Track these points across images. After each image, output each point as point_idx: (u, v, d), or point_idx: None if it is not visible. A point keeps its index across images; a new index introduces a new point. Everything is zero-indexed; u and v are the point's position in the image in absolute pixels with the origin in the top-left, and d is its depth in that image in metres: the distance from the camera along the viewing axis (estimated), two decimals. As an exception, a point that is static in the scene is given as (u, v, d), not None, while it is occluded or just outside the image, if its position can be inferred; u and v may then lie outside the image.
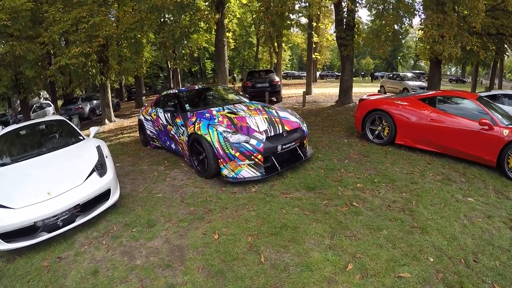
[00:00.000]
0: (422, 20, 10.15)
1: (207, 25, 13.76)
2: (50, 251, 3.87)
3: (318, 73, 45.32)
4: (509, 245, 3.40)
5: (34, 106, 18.92)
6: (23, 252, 3.89)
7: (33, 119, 15.25)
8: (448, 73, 59.24)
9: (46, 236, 3.88)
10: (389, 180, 5.02)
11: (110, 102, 15.88)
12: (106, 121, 15.26)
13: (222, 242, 3.62)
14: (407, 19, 11.62)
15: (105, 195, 4.46)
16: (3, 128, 6.67)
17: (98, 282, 3.21)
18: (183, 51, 23.32)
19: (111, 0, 13.25)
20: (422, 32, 10.21)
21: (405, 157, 6.03)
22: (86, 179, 4.37)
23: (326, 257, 3.23)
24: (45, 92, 24.07)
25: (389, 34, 11.47)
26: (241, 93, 9.34)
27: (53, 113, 19.07)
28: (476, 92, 13.81)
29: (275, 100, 16.21)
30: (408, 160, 5.90)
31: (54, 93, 22.86)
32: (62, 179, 4.31)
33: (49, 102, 21.32)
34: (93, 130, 6.11)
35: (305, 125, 6.02)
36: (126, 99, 34.64)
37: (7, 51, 10.48)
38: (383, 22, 11.29)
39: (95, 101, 20.18)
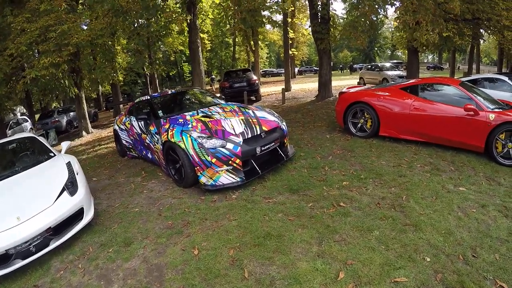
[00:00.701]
0: (397, 8, 10.03)
1: (180, 27, 13.47)
2: (26, 279, 3.65)
3: (296, 69, 45.42)
4: (507, 235, 3.25)
5: (11, 122, 18.35)
6: (0, 282, 3.66)
7: (9, 135, 14.74)
8: (425, 60, 60.09)
9: (20, 263, 3.65)
10: (376, 175, 4.83)
11: (86, 113, 15.46)
12: (84, 133, 14.86)
13: (203, 258, 3.35)
14: (382, 10, 11.51)
15: (78, 214, 4.21)
16: None
17: None
18: (159, 56, 22.92)
19: (79, 7, 12.80)
20: (398, 20, 10.13)
21: (390, 149, 5.87)
22: (56, 199, 4.11)
23: (315, 267, 2.99)
24: (22, 107, 23.39)
25: (366, 24, 11.36)
26: (217, 94, 9.08)
27: (31, 128, 18.51)
28: (455, 77, 13.86)
29: (254, 99, 16.07)
30: (394, 152, 5.73)
31: (31, 107, 22.26)
32: (31, 201, 4.06)
33: (25, 117, 20.70)
34: (64, 145, 5.80)
35: (284, 123, 5.79)
36: (104, 108, 34.00)
37: None
38: (359, 13, 11.17)
39: (72, 113, 19.68)
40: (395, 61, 47.32)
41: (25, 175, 4.82)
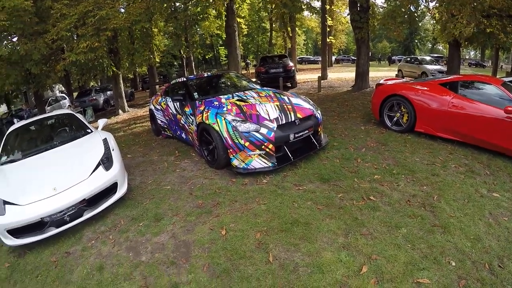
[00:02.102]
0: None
1: (220, 10, 13.47)
2: (58, 246, 3.88)
3: (333, 58, 44.54)
4: (537, 249, 3.08)
5: (50, 99, 19.06)
6: (33, 247, 3.93)
7: (48, 112, 15.38)
8: (467, 57, 57.30)
9: (54, 231, 3.91)
10: (409, 171, 4.68)
11: (123, 92, 15.89)
12: (120, 111, 15.30)
13: (230, 239, 3.43)
14: (423, 0, 11.05)
15: (112, 188, 4.40)
16: (18, 121, 6.71)
17: (103, 279, 3.18)
18: (195, 39, 23.05)
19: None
20: (432, 10, 9.68)
21: (425, 146, 5.65)
22: (91, 173, 4.32)
23: (339, 258, 2.98)
24: (60, 85, 24.24)
25: (404, 15, 10.95)
26: (253, 79, 9.05)
27: (69, 105, 19.20)
28: (498, 77, 13.11)
29: (290, 85, 15.90)
30: (428, 149, 5.52)
31: (69, 86, 23.03)
32: (68, 174, 4.27)
33: (64, 95, 21.45)
34: (101, 122, 6.04)
35: (319, 111, 5.72)
36: (140, 88, 34.75)
37: (10, 52, 10.44)
38: (398, 3, 10.77)
39: (109, 92, 20.25)
40: (435, 55, 45.34)
41: (63, 149, 5.07)
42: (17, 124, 6.15)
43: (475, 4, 8.51)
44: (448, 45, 11.92)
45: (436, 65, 19.83)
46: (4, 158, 5.10)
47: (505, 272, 2.75)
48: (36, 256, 3.77)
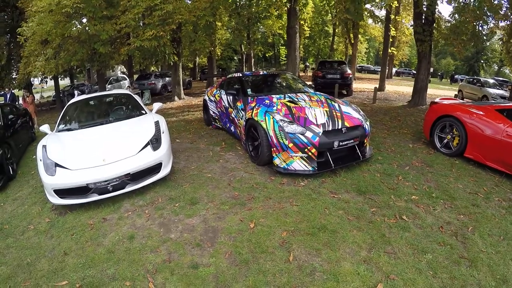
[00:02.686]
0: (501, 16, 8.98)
1: (280, 11, 13.57)
2: (97, 211, 4.26)
3: (394, 70, 43.16)
4: None
5: (111, 78, 20.16)
6: (74, 209, 4.34)
7: (108, 90, 16.35)
8: (536, 84, 52.94)
9: (96, 197, 4.29)
10: (449, 197, 4.51)
11: (181, 80, 16.49)
12: (176, 98, 15.92)
13: (256, 232, 3.57)
14: (492, 18, 10.40)
15: (156, 168, 4.71)
16: (79, 94, 7.26)
17: (131, 247, 3.45)
18: (257, 36, 23.35)
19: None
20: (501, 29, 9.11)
21: (472, 174, 5.38)
22: (140, 151, 4.65)
23: (357, 271, 2.99)
24: (123, 66, 25.54)
25: (468, 32, 10.42)
26: (309, 82, 9.09)
27: (128, 86, 20.22)
28: None
29: (345, 93, 15.71)
30: (474, 177, 5.25)
31: (131, 68, 24.25)
32: (118, 148, 4.65)
33: (125, 75, 22.56)
34: (156, 105, 6.36)
35: (368, 123, 5.68)
36: (199, 78, 35.75)
37: (80, 31, 11.16)
38: (462, 18, 10.26)
39: (167, 78, 21.08)
40: (500, 78, 42.38)
41: (117, 125, 5.48)
42: (77, 98, 6.68)
43: None
44: (513, 69, 11.23)
45: (499, 89, 18.65)
46: (62, 126, 5.62)
47: None
48: (75, 217, 4.16)
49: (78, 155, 4.48)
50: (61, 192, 4.22)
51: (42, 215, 4.37)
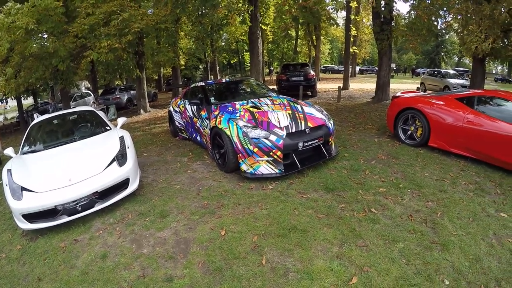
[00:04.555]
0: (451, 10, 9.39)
1: (241, 18, 13.63)
2: (68, 233, 4.14)
3: (358, 68, 44.24)
4: (539, 274, 2.99)
5: (75, 95, 19.70)
6: (45, 233, 4.20)
7: (73, 107, 15.92)
8: (494, 71, 55.55)
9: (66, 219, 4.18)
10: (416, 186, 4.64)
11: (146, 93, 16.28)
12: (142, 111, 15.69)
13: (228, 239, 3.56)
14: (447, 13, 10.87)
15: (124, 183, 4.64)
16: (38, 117, 7.06)
17: (105, 266, 3.39)
18: (220, 44, 23.40)
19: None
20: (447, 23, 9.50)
21: (437, 161, 5.58)
22: (105, 168, 4.57)
23: (330, 267, 3.02)
24: (87, 81, 25.02)
25: (424, 29, 10.83)
26: (273, 86, 9.15)
27: (93, 102, 19.79)
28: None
29: (310, 94, 15.94)
30: (440, 164, 5.44)
31: (96, 83, 23.73)
32: (83, 167, 4.55)
33: (89, 91, 22.11)
34: (120, 120, 6.29)
35: (331, 122, 5.78)
36: (164, 89, 35.40)
37: (38, 50, 10.83)
38: (418, 14, 10.66)
39: (132, 91, 20.75)
40: (461, 69, 44.29)
41: (81, 144, 5.38)
42: (41, 117, 6.51)
43: (494, 18, 8.33)
44: (472, 59, 11.71)
45: (459, 79, 19.45)
46: (26, 148, 5.48)
47: None
48: (46, 241, 4.02)
49: (44, 177, 4.38)
50: (30, 217, 4.10)
51: (13, 242, 4.22)
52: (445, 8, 10.43)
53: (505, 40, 9.37)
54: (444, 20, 12.51)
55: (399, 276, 2.88)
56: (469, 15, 8.57)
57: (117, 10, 10.44)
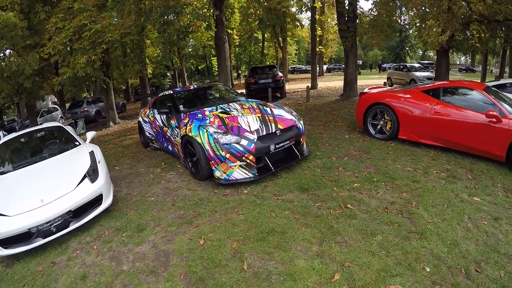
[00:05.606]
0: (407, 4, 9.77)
1: (206, 23, 13.59)
2: (45, 256, 3.97)
3: (325, 67, 44.90)
4: (516, 252, 3.12)
5: (42, 110, 19.10)
6: (21, 257, 4.02)
7: (40, 123, 15.41)
8: (458, 62, 57.82)
9: (41, 241, 4.01)
10: (389, 178, 4.76)
11: (114, 104, 15.98)
12: (111, 123, 15.42)
13: (207, 248, 3.52)
14: (399, 11, 11.30)
15: (97, 200, 4.52)
16: (4, 135, 6.81)
17: (86, 287, 3.27)
18: (186, 52, 23.26)
19: (109, 2, 13.08)
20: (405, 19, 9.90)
21: (408, 153, 5.74)
22: (77, 185, 4.43)
23: (312, 266, 3.05)
24: (53, 96, 24.27)
25: (385, 26, 11.19)
26: (239, 91, 9.16)
27: (61, 116, 19.23)
28: (486, 81, 13.26)
29: (279, 95, 16.06)
30: (411, 156, 5.60)
31: (62, 97, 23.07)
32: (55, 186, 4.40)
33: (56, 106, 21.49)
34: (89, 135, 6.13)
35: (301, 122, 5.84)
36: (133, 99, 34.83)
37: (4, 66, 10.48)
38: (379, 12, 11.00)
39: (101, 103, 20.31)
40: (426, 62, 45.83)
41: (51, 162, 5.18)
42: (8, 136, 6.28)
43: (451, 13, 8.68)
44: (436, 52, 12.12)
45: (425, 71, 20.11)
46: None
47: (482, 276, 2.76)
48: (23, 266, 3.85)
49: (15, 199, 4.20)
50: (3, 242, 3.91)
51: None
52: (402, 5, 10.80)
53: (467, 32, 9.77)
54: (406, 16, 12.93)
55: (381, 268, 2.95)
56: (427, 10, 8.88)
57: (88, 22, 10.20)
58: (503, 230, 3.40)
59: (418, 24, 9.87)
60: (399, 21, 12.78)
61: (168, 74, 39.39)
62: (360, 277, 2.86)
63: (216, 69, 45.01)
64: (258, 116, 5.44)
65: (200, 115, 5.63)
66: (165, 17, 11.66)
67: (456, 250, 3.11)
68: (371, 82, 21.94)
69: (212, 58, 45.11)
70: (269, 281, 2.94)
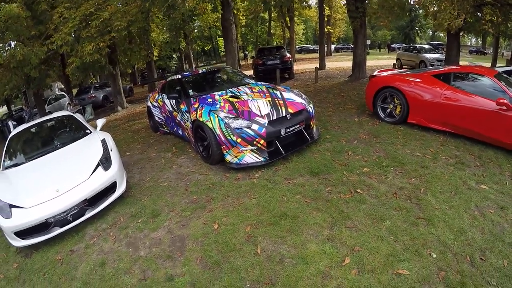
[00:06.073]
0: None
1: (212, 5, 13.39)
2: (63, 244, 4.08)
3: (333, 46, 44.32)
4: (521, 242, 3.15)
5: (49, 98, 19.13)
6: (40, 247, 4.11)
7: (49, 111, 15.51)
8: (468, 43, 56.51)
9: (58, 230, 4.11)
10: (398, 163, 4.76)
11: (121, 88, 15.99)
12: (119, 108, 15.46)
13: (221, 232, 3.60)
14: None
15: (111, 187, 4.60)
16: (14, 125, 6.85)
17: (105, 273, 3.37)
18: (193, 36, 23.05)
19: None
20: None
21: (417, 138, 5.71)
22: (91, 174, 4.51)
23: (323, 250, 3.13)
24: (60, 83, 24.30)
25: (395, 6, 10.98)
26: (249, 71, 9.10)
27: (68, 103, 19.25)
28: (497, 65, 12.95)
29: (287, 76, 15.93)
30: (420, 141, 5.57)
31: (69, 84, 23.10)
32: (69, 175, 4.47)
33: (63, 93, 21.51)
34: (99, 122, 6.17)
35: (311, 105, 5.82)
36: (139, 83, 34.80)
37: (7, 59, 10.48)
38: None
39: (108, 88, 20.27)
40: (435, 42, 44.74)
41: (64, 151, 5.26)
42: (18, 128, 6.32)
43: None
44: (447, 34, 11.88)
45: (435, 53, 19.67)
46: (7, 162, 5.30)
47: (486, 264, 2.82)
48: (42, 256, 3.96)
49: (31, 191, 4.27)
50: (22, 233, 4.00)
51: (8, 261, 4.12)
52: None
53: (479, 14, 9.56)
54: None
55: (389, 253, 3.01)
56: None
57: (94, 11, 10.13)
58: (508, 220, 3.44)
59: (431, 8, 9.61)
60: (411, 1, 12.52)
61: (174, 56, 39.19)
62: (370, 261, 2.93)
63: (223, 50, 44.78)
64: (269, 100, 5.44)
65: (210, 100, 5.64)
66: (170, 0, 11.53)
67: (462, 238, 3.16)
68: (380, 62, 21.66)
69: (218, 39, 44.73)
70: (282, 265, 3.02)
